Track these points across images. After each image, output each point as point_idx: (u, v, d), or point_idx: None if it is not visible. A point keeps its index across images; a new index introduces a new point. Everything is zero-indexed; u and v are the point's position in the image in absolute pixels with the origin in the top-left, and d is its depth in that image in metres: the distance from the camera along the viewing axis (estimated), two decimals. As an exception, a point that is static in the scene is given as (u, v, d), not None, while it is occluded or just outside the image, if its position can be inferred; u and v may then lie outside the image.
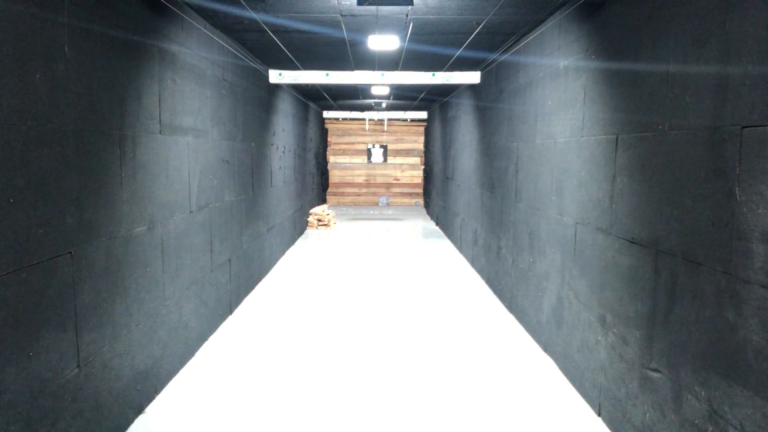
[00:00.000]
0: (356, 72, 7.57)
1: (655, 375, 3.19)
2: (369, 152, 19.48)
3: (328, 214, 13.69)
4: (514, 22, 5.38)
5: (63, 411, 3.02)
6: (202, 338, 5.43)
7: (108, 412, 3.53)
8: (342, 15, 5.19)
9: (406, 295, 7.35)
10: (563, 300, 4.75)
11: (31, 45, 2.72)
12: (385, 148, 19.53)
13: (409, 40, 6.28)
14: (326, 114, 16.35)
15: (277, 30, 5.79)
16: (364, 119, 18.31)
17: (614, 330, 3.73)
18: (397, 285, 7.88)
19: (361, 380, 4.61)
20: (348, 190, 19.28)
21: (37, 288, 2.78)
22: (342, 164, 19.06)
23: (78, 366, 3.17)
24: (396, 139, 18.99)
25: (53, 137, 2.90)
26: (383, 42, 6.15)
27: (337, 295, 7.30)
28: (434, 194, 15.29)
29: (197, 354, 5.21)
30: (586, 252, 4.24)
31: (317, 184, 16.43)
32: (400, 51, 6.96)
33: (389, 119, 18.25)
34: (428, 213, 16.75)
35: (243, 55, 6.84)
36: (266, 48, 6.81)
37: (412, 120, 18.51)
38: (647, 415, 3.28)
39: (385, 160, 19.50)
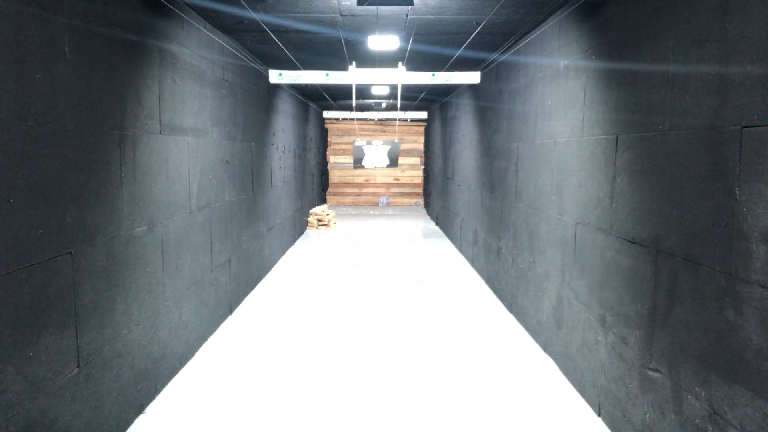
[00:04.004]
0: (356, 72, 7.57)
1: (655, 375, 3.19)
2: (360, 152, 12.81)
3: (328, 214, 13.68)
4: (514, 22, 5.38)
5: (63, 411, 3.02)
6: (202, 338, 5.42)
7: (108, 412, 3.53)
8: (342, 15, 5.19)
9: (406, 295, 7.35)
10: (563, 300, 4.75)
11: (31, 45, 2.72)
12: (396, 146, 12.88)
13: (409, 40, 6.27)
14: (326, 114, 16.34)
15: (277, 30, 5.79)
16: (364, 119, 18.26)
17: (614, 330, 3.73)
18: (396, 285, 7.87)
19: (360, 380, 4.61)
20: (348, 190, 19.28)
21: (37, 288, 2.78)
22: (342, 164, 19.05)
23: (78, 366, 3.17)
24: (396, 139, 18.99)
25: (53, 137, 2.90)
26: (383, 42, 6.15)
27: (336, 295, 7.30)
28: (434, 194, 15.29)
29: (197, 354, 5.21)
30: (586, 252, 4.24)
31: (317, 184, 16.41)
32: (400, 51, 6.96)
33: (388, 119, 18.15)
34: (428, 213, 16.74)
35: (243, 55, 6.84)
36: (266, 48, 6.81)
37: (412, 120, 18.50)
38: (647, 415, 3.28)
39: (394, 164, 13.20)
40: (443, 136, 13.46)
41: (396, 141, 12.77)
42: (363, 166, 12.69)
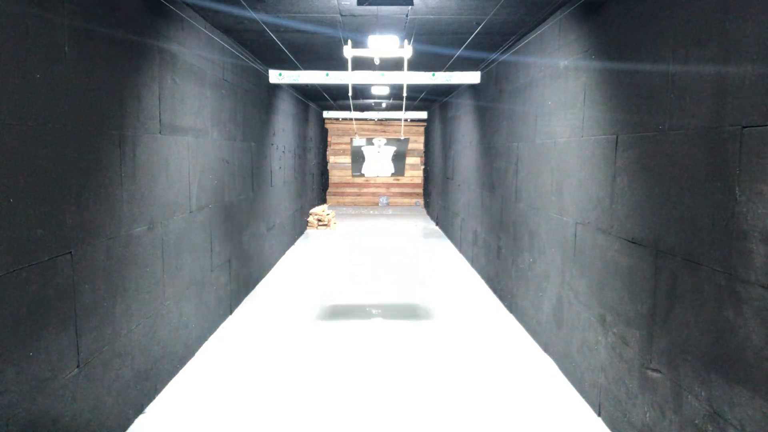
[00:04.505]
0: (356, 72, 7.57)
1: (655, 375, 3.19)
2: (359, 154, 12.18)
3: (328, 214, 13.68)
4: (514, 22, 5.38)
5: (63, 411, 3.02)
6: (202, 338, 5.43)
7: (108, 412, 3.53)
8: (342, 15, 5.19)
9: (406, 295, 7.35)
10: (563, 300, 4.75)
11: (31, 45, 2.72)
12: (402, 144, 11.32)
13: (409, 40, 6.27)
14: (326, 114, 16.33)
15: (277, 30, 5.79)
16: (364, 119, 18.23)
17: (614, 330, 3.73)
18: (397, 285, 7.87)
19: (359, 379, 4.61)
20: (348, 190, 19.27)
21: (37, 288, 2.78)
22: (342, 164, 19.03)
23: (78, 366, 3.17)
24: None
25: (53, 137, 2.90)
26: (383, 42, 6.15)
27: (337, 296, 7.30)
28: (434, 194, 15.29)
29: (197, 354, 5.21)
30: (586, 252, 4.24)
31: (317, 184, 16.40)
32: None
33: (388, 119, 18.09)
34: (428, 213, 16.74)
35: (243, 55, 6.84)
36: (266, 48, 6.81)
37: (412, 120, 18.49)
38: (647, 415, 3.28)
39: (399, 172, 11.79)
40: (443, 136, 13.46)
41: (402, 138, 10.67)
42: (363, 174, 10.75)
